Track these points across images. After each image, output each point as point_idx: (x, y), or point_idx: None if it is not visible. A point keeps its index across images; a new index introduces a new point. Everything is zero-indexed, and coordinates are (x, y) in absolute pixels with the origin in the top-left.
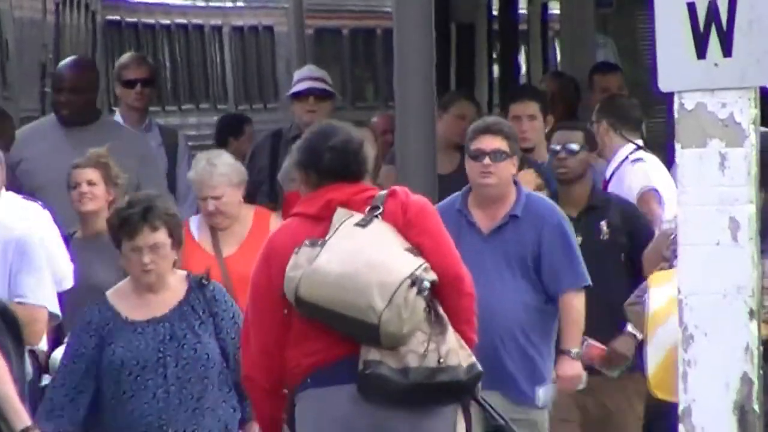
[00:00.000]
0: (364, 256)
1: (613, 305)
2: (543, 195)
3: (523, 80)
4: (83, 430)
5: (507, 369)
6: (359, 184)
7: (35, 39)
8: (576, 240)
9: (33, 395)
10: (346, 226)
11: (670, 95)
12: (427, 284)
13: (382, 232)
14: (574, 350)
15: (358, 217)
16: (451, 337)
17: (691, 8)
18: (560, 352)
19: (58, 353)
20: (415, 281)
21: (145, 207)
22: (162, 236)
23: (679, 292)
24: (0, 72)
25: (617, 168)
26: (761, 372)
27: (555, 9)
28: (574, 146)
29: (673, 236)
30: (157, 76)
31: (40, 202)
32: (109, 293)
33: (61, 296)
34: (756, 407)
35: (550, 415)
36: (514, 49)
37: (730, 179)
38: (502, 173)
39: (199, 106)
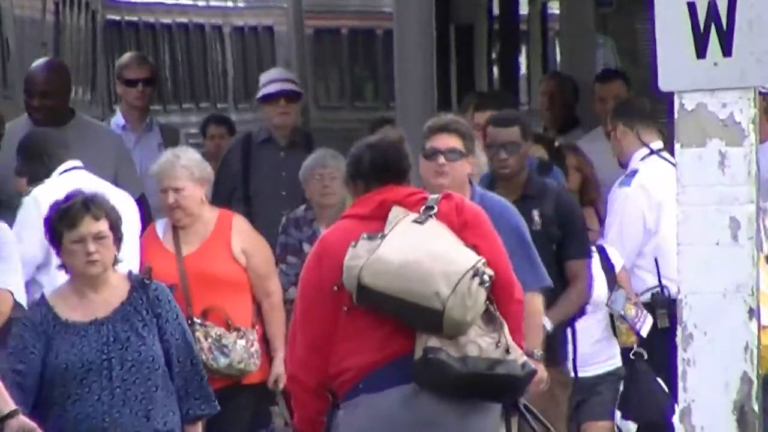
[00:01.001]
0: (426, 246)
1: (543, 294)
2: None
3: (522, 81)
4: None
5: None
6: (409, 186)
7: (35, 38)
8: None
9: None
10: (403, 222)
11: (670, 95)
12: (487, 277)
13: (439, 228)
14: (537, 352)
15: (414, 215)
16: (507, 333)
17: (691, 8)
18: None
19: None
20: (477, 272)
21: (85, 197)
22: (104, 226)
23: (679, 291)
24: (0, 71)
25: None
26: (760, 371)
27: (555, 9)
28: (514, 146)
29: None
30: (158, 76)
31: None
32: (48, 295)
33: None
34: (755, 407)
35: None
36: (514, 49)
37: (730, 179)
38: (456, 173)
39: (199, 105)
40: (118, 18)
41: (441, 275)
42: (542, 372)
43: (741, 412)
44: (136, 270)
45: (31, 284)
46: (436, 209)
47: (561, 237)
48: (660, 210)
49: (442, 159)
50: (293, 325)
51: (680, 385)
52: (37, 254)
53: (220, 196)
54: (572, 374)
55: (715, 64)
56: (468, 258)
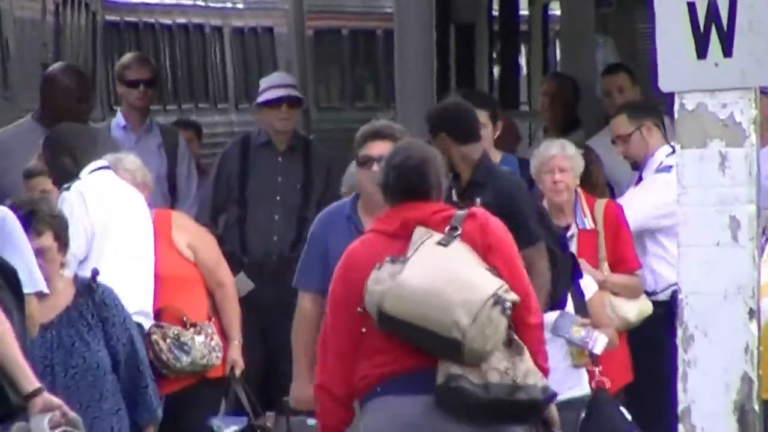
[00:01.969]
0: (448, 273)
1: None
2: None
3: (523, 81)
4: None
5: None
6: (435, 203)
7: (35, 39)
8: None
9: None
10: (427, 244)
11: (671, 95)
12: (509, 304)
13: (462, 252)
14: None
15: (438, 236)
16: (528, 357)
17: (692, 8)
18: None
19: None
20: (498, 300)
21: (27, 212)
22: (47, 240)
23: (680, 291)
24: (1, 72)
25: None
26: (761, 372)
27: (556, 10)
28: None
29: None
30: (159, 77)
31: None
32: None
33: None
34: (756, 407)
35: None
36: (515, 49)
37: (730, 179)
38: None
39: (198, 106)
40: (117, 19)
41: (461, 304)
42: None
43: (741, 412)
44: (151, 265)
45: None
46: (460, 230)
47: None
48: None
49: (375, 167)
50: (322, 335)
51: (680, 386)
52: (81, 249)
53: (218, 196)
54: None
55: (716, 64)
56: (489, 284)
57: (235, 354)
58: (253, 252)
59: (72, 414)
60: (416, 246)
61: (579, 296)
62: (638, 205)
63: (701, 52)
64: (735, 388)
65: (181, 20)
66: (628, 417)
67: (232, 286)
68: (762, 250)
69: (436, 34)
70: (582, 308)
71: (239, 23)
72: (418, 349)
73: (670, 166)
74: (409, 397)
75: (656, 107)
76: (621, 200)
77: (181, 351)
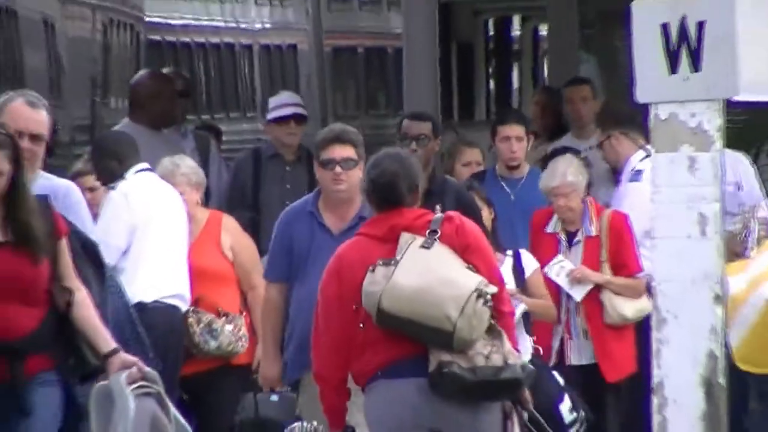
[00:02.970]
0: (435, 273)
1: None
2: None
3: (515, 94)
4: None
5: None
6: (415, 209)
7: (85, 55)
8: None
9: None
10: (412, 247)
11: (646, 105)
12: (489, 296)
13: (443, 252)
14: None
15: (420, 239)
16: (506, 341)
17: (665, 29)
18: None
19: None
20: (480, 293)
21: None
22: None
23: (654, 279)
24: (55, 84)
25: (625, 174)
26: (726, 350)
27: (544, 31)
28: (424, 139)
29: (741, 235)
30: (192, 89)
31: None
32: None
33: None
34: (721, 381)
35: None
36: (508, 66)
37: (698, 180)
38: (351, 180)
39: (229, 115)
40: (158, 38)
41: (450, 299)
42: None
43: (708, 386)
44: (185, 256)
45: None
46: (439, 233)
47: None
48: None
49: (338, 168)
50: (315, 330)
51: (654, 362)
52: (122, 241)
53: (232, 202)
54: None
55: (686, 78)
56: (472, 280)
57: (260, 351)
58: (266, 251)
59: (148, 369)
60: (403, 250)
61: (519, 273)
62: (636, 210)
63: (673, 67)
64: (702, 364)
65: (214, 39)
66: (561, 381)
67: (262, 289)
68: (745, 244)
69: (439, 51)
70: (521, 283)
71: (266, 41)
72: (410, 338)
73: (640, 171)
74: (405, 380)
75: (631, 119)
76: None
77: (211, 336)
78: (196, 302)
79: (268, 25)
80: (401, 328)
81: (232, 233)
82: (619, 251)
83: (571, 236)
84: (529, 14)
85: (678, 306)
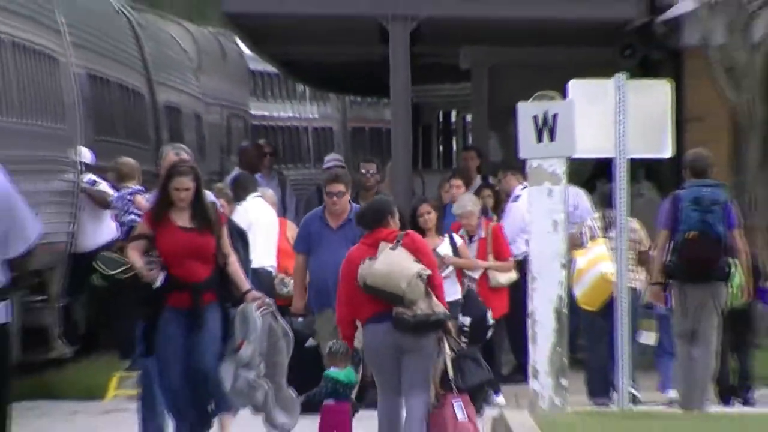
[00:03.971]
0: (395, 264)
1: None
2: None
3: (453, 153)
4: None
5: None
6: (390, 230)
7: (217, 133)
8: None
9: None
10: (384, 249)
11: (525, 160)
12: (424, 277)
13: (402, 252)
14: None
15: (390, 245)
16: (435, 300)
17: (535, 118)
18: None
19: None
20: (419, 275)
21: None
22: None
23: (530, 254)
24: (201, 149)
25: (510, 201)
26: (571, 296)
27: (469, 117)
28: (341, 194)
29: (578, 234)
30: (276, 151)
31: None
32: None
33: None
34: (565, 311)
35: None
36: (449, 137)
37: (553, 201)
38: (342, 202)
39: (296, 166)
40: (257, 123)
41: (402, 278)
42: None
43: (558, 313)
44: (275, 241)
45: None
46: (401, 242)
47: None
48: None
49: (335, 198)
50: (338, 295)
51: (529, 301)
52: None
53: (306, 210)
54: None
55: (546, 145)
56: (415, 267)
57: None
58: None
59: (267, 299)
60: (381, 251)
61: (453, 246)
62: (516, 221)
63: (539, 139)
64: (554, 301)
65: (288, 124)
66: (485, 307)
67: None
68: (581, 240)
69: (412, 130)
70: (455, 252)
71: (315, 125)
72: (381, 302)
73: (518, 196)
74: (380, 324)
75: (514, 166)
76: (505, 220)
77: (283, 286)
78: (277, 267)
79: (316, 116)
80: (377, 294)
81: (291, 230)
82: (496, 246)
83: (471, 237)
84: (460, 108)
85: (542, 270)
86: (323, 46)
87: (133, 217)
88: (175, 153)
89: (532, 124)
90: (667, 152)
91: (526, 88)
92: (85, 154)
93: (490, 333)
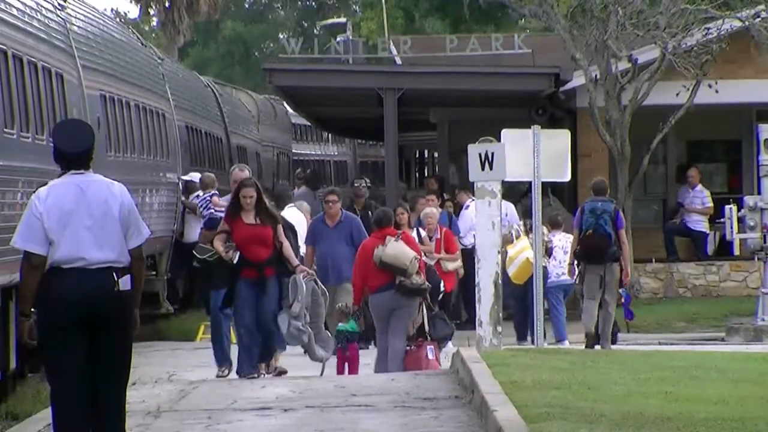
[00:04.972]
0: (399, 249)
1: None
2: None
3: (425, 179)
4: None
5: (344, 274)
6: (391, 228)
7: (270, 165)
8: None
9: None
10: (390, 240)
11: (474, 182)
12: (416, 259)
13: (401, 244)
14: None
15: (394, 238)
16: (422, 276)
17: (480, 154)
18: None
19: None
20: (415, 257)
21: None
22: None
23: (477, 244)
24: (260, 176)
25: (464, 209)
26: (503, 271)
27: (436, 154)
28: (335, 202)
29: (508, 235)
30: (315, 178)
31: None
32: None
33: None
34: (500, 282)
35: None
36: (423, 168)
37: (492, 210)
38: (336, 209)
39: (323, 186)
40: (296, 158)
41: (406, 258)
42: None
43: (495, 285)
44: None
45: None
46: (400, 236)
47: (356, 244)
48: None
49: (330, 204)
50: (354, 268)
51: (477, 277)
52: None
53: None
54: None
55: (488, 172)
56: (411, 253)
57: None
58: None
59: (311, 271)
60: (388, 242)
61: (419, 237)
62: (467, 222)
63: (482, 168)
64: (491, 276)
65: (317, 158)
66: (439, 278)
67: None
68: (511, 239)
69: (399, 162)
70: (421, 241)
71: (335, 159)
72: (390, 273)
73: (468, 206)
74: (386, 292)
75: (467, 186)
76: (459, 221)
77: None
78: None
79: (336, 152)
80: (386, 269)
81: None
82: (447, 244)
83: (431, 237)
84: (430, 148)
85: (485, 255)
86: (340, 107)
87: (211, 211)
88: (239, 169)
89: (478, 158)
90: (567, 177)
91: (474, 135)
92: (195, 176)
93: (440, 296)
